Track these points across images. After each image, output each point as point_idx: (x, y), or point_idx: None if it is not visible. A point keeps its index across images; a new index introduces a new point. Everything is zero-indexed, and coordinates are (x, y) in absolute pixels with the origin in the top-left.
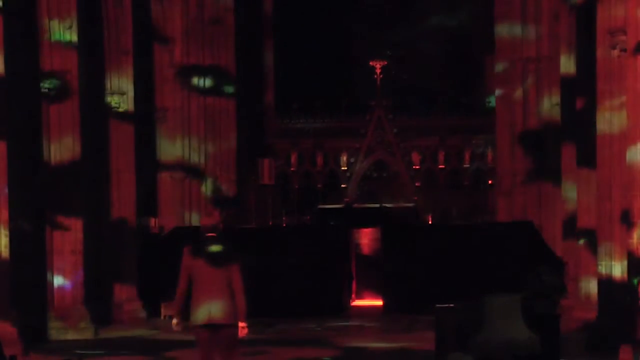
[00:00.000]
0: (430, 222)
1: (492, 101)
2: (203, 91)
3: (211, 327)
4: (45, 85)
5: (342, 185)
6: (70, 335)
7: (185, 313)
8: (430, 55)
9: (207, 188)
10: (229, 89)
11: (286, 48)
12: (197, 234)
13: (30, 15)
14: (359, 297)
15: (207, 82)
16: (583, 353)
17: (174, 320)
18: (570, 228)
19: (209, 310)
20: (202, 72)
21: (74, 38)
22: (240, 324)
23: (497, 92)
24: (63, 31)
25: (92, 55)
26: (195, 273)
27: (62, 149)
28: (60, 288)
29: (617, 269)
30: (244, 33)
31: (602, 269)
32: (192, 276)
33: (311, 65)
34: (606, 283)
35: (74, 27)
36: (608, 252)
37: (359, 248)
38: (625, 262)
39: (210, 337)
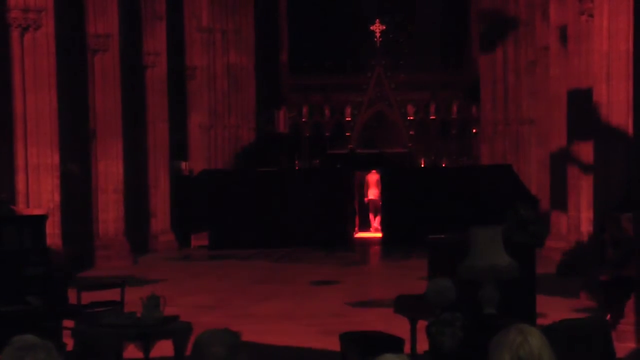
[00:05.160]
0: (422, 166)
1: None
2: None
3: None
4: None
5: (347, 134)
6: (113, 262)
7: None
8: (424, 19)
9: None
10: None
11: (299, 14)
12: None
13: None
14: (362, 230)
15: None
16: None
17: None
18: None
19: None
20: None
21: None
22: None
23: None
24: None
25: (131, 21)
26: None
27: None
28: (105, 222)
29: None
30: (262, 1)
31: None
32: None
33: (321, 29)
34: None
35: None
36: None
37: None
38: None
39: None
